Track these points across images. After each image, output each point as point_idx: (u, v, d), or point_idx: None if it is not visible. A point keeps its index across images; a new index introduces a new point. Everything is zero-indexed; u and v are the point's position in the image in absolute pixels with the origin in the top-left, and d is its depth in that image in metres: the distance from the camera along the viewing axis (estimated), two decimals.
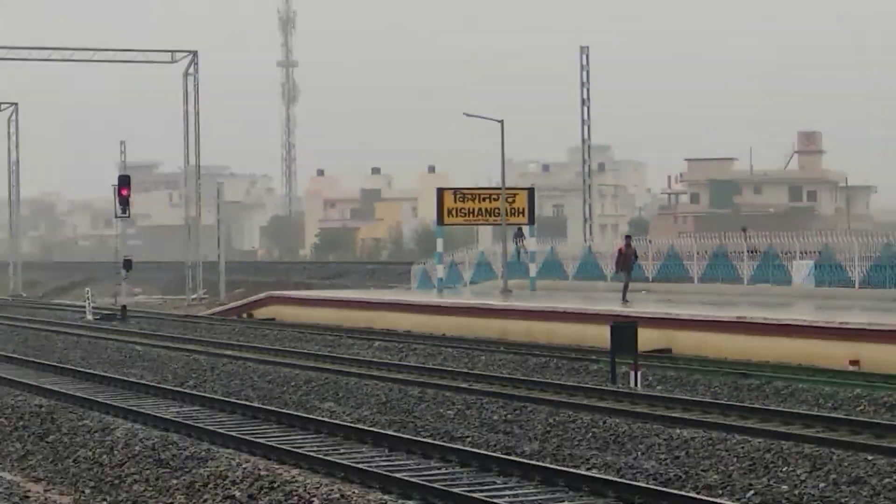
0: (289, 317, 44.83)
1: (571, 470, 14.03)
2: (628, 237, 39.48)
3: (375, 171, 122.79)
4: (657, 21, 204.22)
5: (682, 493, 12.73)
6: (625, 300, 34.40)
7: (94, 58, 59.45)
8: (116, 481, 14.62)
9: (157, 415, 19.59)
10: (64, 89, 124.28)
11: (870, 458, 14.27)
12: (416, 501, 12.62)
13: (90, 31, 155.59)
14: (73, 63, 61.19)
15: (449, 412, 19.77)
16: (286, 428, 18.56)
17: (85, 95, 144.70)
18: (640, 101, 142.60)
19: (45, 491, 14.65)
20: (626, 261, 35.98)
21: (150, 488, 13.98)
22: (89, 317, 45.68)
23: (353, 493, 12.65)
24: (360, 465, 14.61)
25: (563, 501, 12.79)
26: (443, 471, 14.63)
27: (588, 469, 14.34)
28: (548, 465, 14.43)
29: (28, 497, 14.07)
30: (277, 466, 14.49)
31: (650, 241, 47.72)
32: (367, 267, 73.04)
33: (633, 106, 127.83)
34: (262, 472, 13.72)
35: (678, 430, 16.81)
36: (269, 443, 16.50)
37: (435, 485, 13.28)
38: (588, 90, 50.47)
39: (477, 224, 51.03)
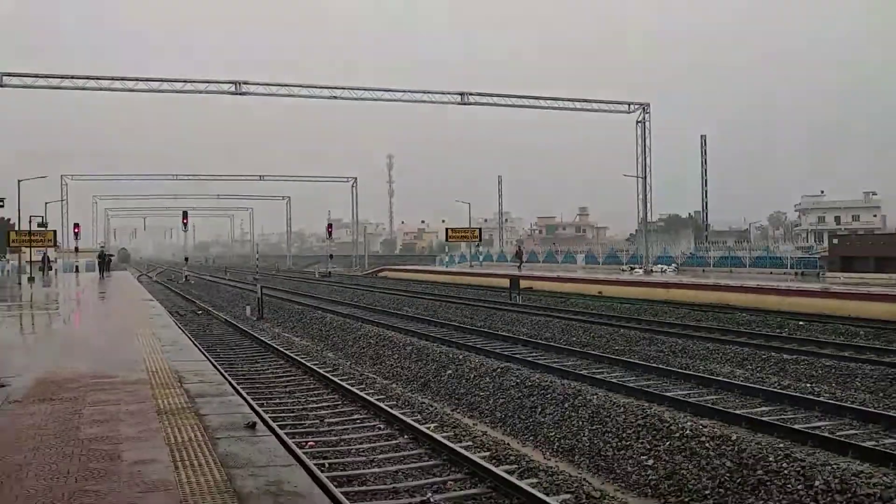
0: (391, 276, 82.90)
1: (492, 331, 26.84)
2: (519, 245, 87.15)
3: (423, 221, 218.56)
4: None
5: (536, 341, 24.60)
6: (519, 270, 63.71)
7: (306, 179, 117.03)
8: (327, 336, 28.83)
9: (342, 312, 36.13)
10: (304, 190, 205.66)
11: (605, 327, 29.43)
12: (437, 343, 24.44)
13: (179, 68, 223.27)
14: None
15: (449, 312, 34.74)
16: (390, 316, 33.56)
17: (310, 193, 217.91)
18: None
19: (300, 339, 28.88)
20: (519, 255, 72.39)
21: (339, 339, 27.55)
22: (316, 276, 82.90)
23: (413, 340, 24.92)
24: (416, 330, 27.64)
25: (492, 344, 24.47)
26: (446, 331, 27.85)
27: (501, 332, 26.95)
28: (483, 329, 27.35)
29: (293, 343, 27.60)
30: (386, 331, 26.95)
31: (520, 249, 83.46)
32: (419, 257, 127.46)
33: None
34: (381, 332, 26.06)
35: (535, 317, 30.91)
36: (383, 322, 30.54)
37: (444, 337, 25.84)
38: (501, 194, 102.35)
39: (460, 241, 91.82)
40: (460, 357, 21.41)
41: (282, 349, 24.58)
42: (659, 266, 62.31)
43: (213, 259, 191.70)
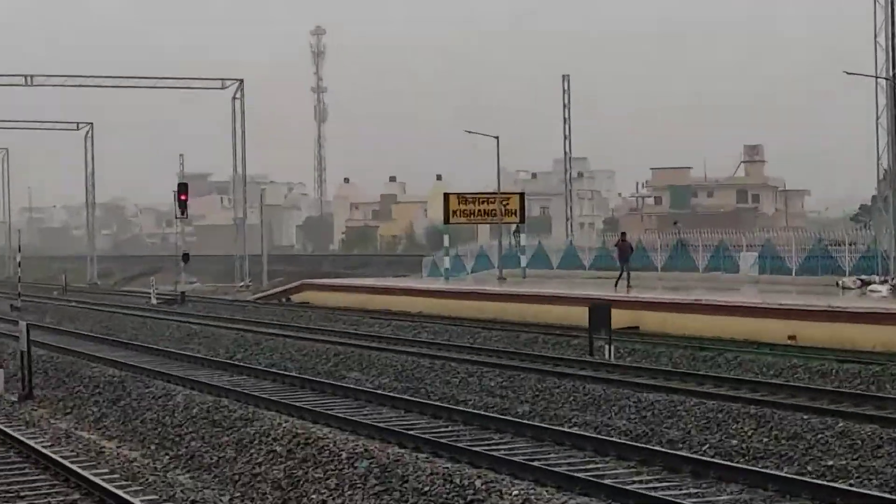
0: (320, 301, 49.53)
1: (556, 427, 16.36)
2: (623, 234, 45.37)
3: (392, 179, 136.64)
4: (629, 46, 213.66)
5: (649, 446, 14.91)
6: (622, 286, 38.60)
7: (156, 85, 69.52)
8: (177, 438, 17.04)
9: (211, 383, 22.51)
10: (132, 109, 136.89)
11: (805, 417, 16.59)
12: (427, 454, 14.66)
13: (150, 58, 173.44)
14: (139, 89, 70.49)
15: (454, 380, 22.38)
16: (319, 393, 21.25)
17: (149, 115, 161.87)
18: (612, 118, 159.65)
19: (118, 447, 17.04)
20: (624, 253, 40.91)
21: (205, 444, 16.30)
22: (154, 301, 52.25)
23: (375, 447, 14.65)
24: (380, 425, 16.98)
25: (550, 454, 14.95)
26: (448, 428, 16.96)
27: (570, 427, 16.64)
28: (536, 424, 16.73)
29: (103, 452, 16.47)
30: (312, 426, 16.73)
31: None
32: (385, 259, 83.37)
33: (606, 122, 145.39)
34: (299, 431, 15.89)
35: (645, 394, 19.17)
36: (305, 406, 19.00)
37: (442, 440, 15.56)
38: (569, 111, 58.78)
39: (477, 223, 58.18)
40: (478, 485, 12.36)
41: (75, 468, 14.36)
42: None
43: None
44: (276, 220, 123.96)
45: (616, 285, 39.29)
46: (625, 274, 39.97)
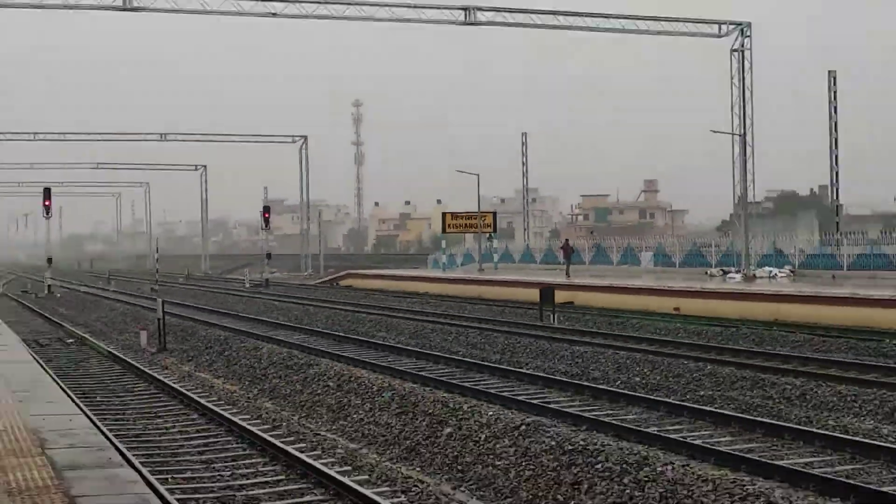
0: (358, 285, 66.80)
1: (517, 370, 21.85)
2: (567, 240, 62.69)
3: (407, 202, 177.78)
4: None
5: (580, 382, 19.91)
6: (568, 276, 49.68)
7: (248, 140, 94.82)
8: (263, 377, 22.53)
9: (286, 339, 29.46)
10: (233, 154, 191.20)
11: (685, 362, 22.06)
12: (431, 387, 19.34)
13: (238, 118, 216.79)
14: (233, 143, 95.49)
15: (448, 338, 28.90)
16: (358, 346, 27.77)
17: (244, 158, 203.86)
18: (553, 157, 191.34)
19: (223, 383, 22.45)
20: (567, 252, 55.59)
21: (282, 381, 21.59)
22: (247, 285, 67.08)
23: (396, 383, 19.23)
24: (400, 368, 22.53)
25: (514, 388, 19.81)
26: (445, 370, 22.57)
27: (527, 369, 22.11)
28: (499, 366, 22.43)
29: (213, 387, 21.80)
30: (353, 368, 21.89)
31: (560, 242, 67.94)
32: (403, 257, 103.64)
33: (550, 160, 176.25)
34: (345, 372, 20.89)
35: (577, 347, 25.17)
36: (349, 355, 24.91)
37: (442, 378, 20.76)
38: (526, 157, 74.45)
39: (464, 232, 72.45)
40: (465, 408, 16.07)
41: (194, 396, 19.19)
42: (766, 269, 46.19)
43: (90, 261, 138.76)
44: (329, 230, 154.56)
45: (566, 274, 51.39)
46: (568, 267, 53.67)
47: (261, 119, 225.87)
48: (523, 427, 14.26)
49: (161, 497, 10.81)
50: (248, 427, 15.86)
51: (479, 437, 14.43)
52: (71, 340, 31.20)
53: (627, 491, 11.66)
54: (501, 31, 47.36)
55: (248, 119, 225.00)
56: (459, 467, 13.73)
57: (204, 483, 12.89)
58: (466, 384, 19.98)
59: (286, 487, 12.55)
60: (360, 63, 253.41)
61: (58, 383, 17.83)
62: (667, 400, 17.61)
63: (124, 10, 41.12)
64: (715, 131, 48.75)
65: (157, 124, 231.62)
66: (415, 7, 43.65)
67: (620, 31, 47.10)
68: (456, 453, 14.22)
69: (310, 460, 13.44)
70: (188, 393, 19.71)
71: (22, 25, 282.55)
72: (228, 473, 13.35)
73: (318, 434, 16.23)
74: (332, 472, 12.78)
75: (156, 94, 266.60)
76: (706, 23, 47.24)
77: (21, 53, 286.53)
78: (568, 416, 16.19)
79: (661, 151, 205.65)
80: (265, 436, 15.10)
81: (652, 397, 17.91)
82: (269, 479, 13.04)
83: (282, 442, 14.73)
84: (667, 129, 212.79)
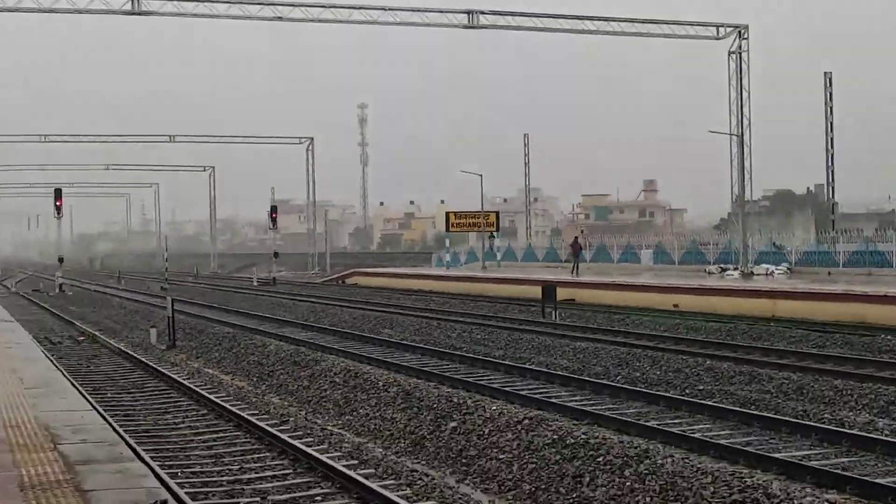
0: (364, 283, 66.47)
1: (520, 365, 21.76)
2: (576, 237, 59.97)
3: (412, 202, 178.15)
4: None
5: (581, 377, 19.85)
6: (576, 274, 49.55)
7: (255, 141, 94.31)
8: (270, 373, 22.41)
9: (293, 336, 29.52)
10: (240, 155, 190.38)
11: (684, 357, 21.98)
12: (435, 383, 19.26)
13: (246, 119, 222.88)
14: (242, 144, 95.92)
15: (452, 334, 28.83)
16: (364, 343, 27.70)
17: (252, 160, 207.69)
18: (556, 155, 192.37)
19: (232, 379, 22.39)
20: (576, 250, 54.32)
21: (289, 377, 21.50)
22: (255, 283, 66.51)
23: (401, 378, 19.19)
24: (404, 364, 22.46)
25: (516, 383, 19.86)
26: (449, 365, 22.52)
27: (529, 364, 22.01)
28: (502, 361, 22.37)
29: (222, 382, 21.76)
30: (359, 364, 21.90)
31: (562, 240, 69.06)
32: (407, 255, 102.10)
33: (552, 158, 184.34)
34: (351, 368, 20.77)
35: (578, 343, 25.13)
36: (354, 352, 24.96)
37: (446, 374, 20.71)
38: (528, 158, 74.66)
39: (468, 231, 72.67)
40: (469, 403, 16.04)
41: (203, 392, 19.18)
42: (763, 266, 46.21)
43: (100, 259, 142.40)
44: (335, 229, 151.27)
45: (572, 272, 50.26)
46: (577, 265, 52.01)
47: (269, 120, 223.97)
48: (526, 421, 14.23)
49: (171, 491, 10.79)
50: (257, 422, 15.84)
51: (484, 432, 14.39)
52: (82, 338, 31.16)
53: (628, 483, 11.62)
54: (504, 33, 46.87)
55: (256, 120, 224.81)
56: (464, 461, 13.71)
57: (213, 477, 12.88)
58: (470, 379, 20.00)
59: (294, 481, 12.53)
60: (365, 64, 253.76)
61: (69, 380, 17.89)
62: (667, 394, 17.57)
63: (132, 13, 41.07)
64: (713, 132, 48.72)
65: (166, 126, 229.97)
66: (419, 11, 43.70)
67: (621, 34, 47.05)
68: (460, 447, 14.20)
69: (317, 454, 13.44)
70: (197, 389, 19.68)
71: (29, 29, 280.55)
72: (237, 467, 13.35)
73: (325, 429, 16.21)
74: (338, 466, 12.78)
75: (163, 94, 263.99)
76: (704, 25, 47.14)
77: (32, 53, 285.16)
78: (570, 411, 16.19)
79: (660, 152, 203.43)
80: (273, 430, 15.09)
81: (652, 392, 17.88)
82: (277, 472, 13.02)
83: (289, 437, 14.73)
84: (667, 130, 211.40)
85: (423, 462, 13.96)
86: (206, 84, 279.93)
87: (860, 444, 13.47)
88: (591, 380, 19.47)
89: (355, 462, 13.63)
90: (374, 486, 11.75)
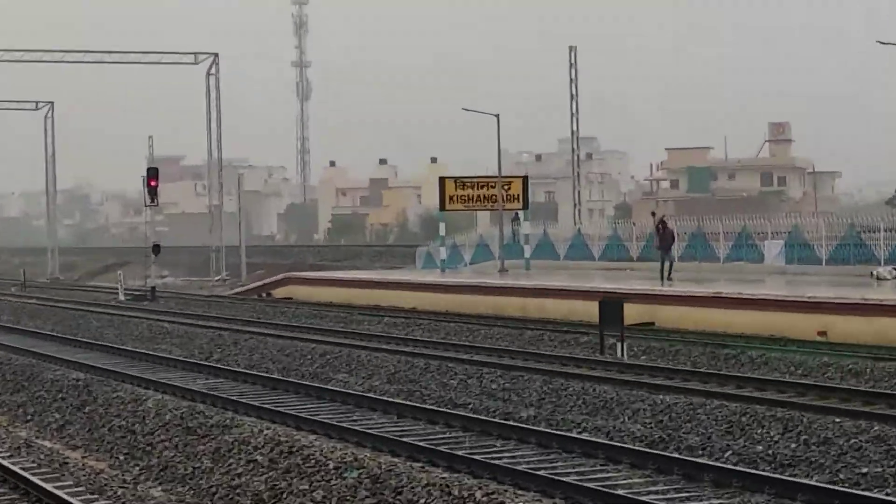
0: (304, 296, 45.64)
1: (564, 433, 14.45)
2: (663, 219, 38.96)
3: (382, 161, 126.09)
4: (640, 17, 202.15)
5: (666, 454, 13.15)
6: (668, 279, 34.39)
7: (123, 60, 65.02)
8: (148, 448, 15.07)
9: (185, 386, 20.21)
10: (94, 88, 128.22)
11: (837, 420, 14.69)
12: (423, 463, 13.06)
13: (112, 33, 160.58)
14: (104, 64, 66.09)
15: (452, 381, 20.08)
16: (304, 397, 19.07)
17: (116, 93, 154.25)
18: (624, 94, 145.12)
19: (83, 458, 15.11)
20: (664, 241, 35.95)
21: (179, 454, 14.36)
22: (122, 297, 47.04)
23: (366, 455, 12.97)
24: (371, 431, 15.05)
25: (557, 462, 13.17)
26: (446, 434, 15.10)
27: (579, 433, 14.70)
28: (542, 429, 14.85)
29: (67, 463, 14.52)
30: (296, 433, 14.90)
31: (633, 224, 48.26)
32: (375, 249, 75.36)
33: (617, 98, 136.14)
34: (282, 438, 14.12)
35: (661, 396, 17.13)
36: (288, 411, 16.97)
37: (439, 448, 13.81)
38: (576, 86, 52.33)
39: (476, 210, 52.04)
40: (479, 497, 10.90)
41: (36, 481, 12.65)
42: None
43: None
44: (256, 207, 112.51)
45: (663, 276, 34.74)
46: (667, 265, 34.98)
47: (152, 29, 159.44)
48: None
49: None
50: None
51: None
52: None
53: None
54: None
55: (132, 29, 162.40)
56: None
57: None
58: (480, 457, 13.24)
59: None
60: None
61: None
62: (809, 482, 11.65)
63: None
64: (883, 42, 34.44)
65: None
66: None
67: None
68: None
69: None
70: (26, 475, 13.03)
71: None
72: None
73: None
74: None
75: None
76: None
77: None
78: None
79: (794, 83, 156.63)
80: None
81: (786, 477, 11.95)
82: None
83: None
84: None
85: None
86: None
87: None
88: (683, 458, 12.96)
89: None
90: None
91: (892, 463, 12.44)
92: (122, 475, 13.87)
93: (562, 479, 11.98)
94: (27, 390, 20.85)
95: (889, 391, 17.62)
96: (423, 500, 11.02)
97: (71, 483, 13.18)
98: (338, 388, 19.42)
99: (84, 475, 13.77)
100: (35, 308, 43.89)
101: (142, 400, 17.97)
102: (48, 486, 12.30)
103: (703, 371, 20.49)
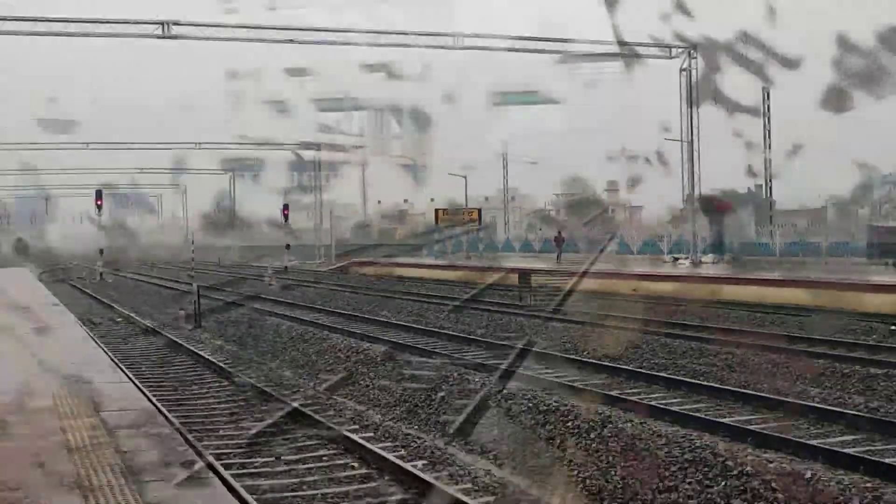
0: (364, 271, 67.13)
1: (500, 342, 22.67)
2: (559, 231, 63.43)
3: (405, 200, 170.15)
4: None
5: (549, 352, 20.73)
6: (558, 260, 54.12)
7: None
8: (283, 350, 23.11)
9: (302, 318, 29.94)
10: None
11: (642, 335, 23.34)
12: (425, 357, 20.22)
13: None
14: None
15: (441, 315, 30.11)
16: (364, 323, 28.46)
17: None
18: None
19: (249, 355, 22.92)
20: (559, 242, 58.67)
21: (299, 353, 22.35)
22: (269, 272, 63.43)
23: (396, 353, 20.24)
24: (399, 341, 23.33)
25: (497, 357, 20.40)
26: (438, 342, 23.43)
27: (507, 342, 22.85)
28: (487, 340, 23.37)
29: (240, 357, 22.54)
30: (360, 341, 22.79)
31: (540, 230, 72.57)
32: (401, 247, 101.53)
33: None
34: (353, 345, 21.89)
35: (550, 323, 26.26)
36: (356, 331, 25.56)
37: (436, 349, 21.65)
38: (506, 162, 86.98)
39: (455, 225, 76.35)
40: (456, 376, 17.37)
41: (223, 366, 20.55)
42: (710, 256, 51.13)
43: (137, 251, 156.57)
44: (338, 224, 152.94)
45: (558, 260, 54.66)
46: (560, 255, 56.44)
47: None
48: (505, 392, 15.49)
49: (194, 448, 11.39)
50: (269, 391, 17.03)
51: (468, 402, 15.52)
52: (119, 319, 32.21)
53: (593, 445, 12.69)
54: None
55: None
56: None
57: (234, 441, 13.77)
58: (456, 354, 21.27)
59: (301, 442, 13.56)
60: None
61: (109, 355, 18.88)
62: (627, 367, 18.76)
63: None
64: (668, 139, 51.94)
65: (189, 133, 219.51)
66: None
67: (583, 55, 48.53)
68: (448, 415, 15.30)
69: (322, 419, 14.54)
70: (218, 363, 20.75)
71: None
72: (255, 431, 14.30)
73: (331, 398, 17.29)
74: (341, 430, 13.85)
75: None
76: (659, 46, 49.19)
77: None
78: (540, 382, 17.16)
79: (621, 159, 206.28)
80: (287, 400, 16.23)
81: (614, 365, 19.06)
82: (286, 430, 14.11)
83: (299, 404, 15.83)
84: (624, 141, 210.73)
85: (416, 427, 14.89)
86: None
87: (795, 410, 14.47)
88: (556, 354, 20.87)
89: (357, 427, 14.58)
90: (375, 448, 12.74)
91: (670, 357, 19.76)
92: (269, 364, 21.46)
93: (498, 365, 18.44)
94: (221, 321, 30.16)
95: (668, 320, 26.07)
96: (424, 375, 17.44)
97: (242, 367, 20.64)
98: (382, 319, 29.21)
99: (253, 363, 21.59)
100: (225, 276, 59.79)
101: (280, 325, 27.14)
102: (229, 369, 19.69)
103: (573, 310, 29.43)
